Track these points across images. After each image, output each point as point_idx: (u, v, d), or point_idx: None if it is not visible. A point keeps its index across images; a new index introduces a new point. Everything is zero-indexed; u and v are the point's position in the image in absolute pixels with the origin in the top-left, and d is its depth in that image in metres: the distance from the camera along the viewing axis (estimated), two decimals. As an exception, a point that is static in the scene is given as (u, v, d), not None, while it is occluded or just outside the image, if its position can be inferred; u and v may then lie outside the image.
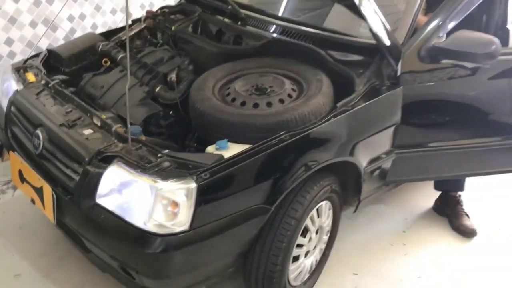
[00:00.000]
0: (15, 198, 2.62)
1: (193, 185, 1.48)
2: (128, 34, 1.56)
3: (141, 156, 1.59)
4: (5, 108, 2.11)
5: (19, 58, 2.84)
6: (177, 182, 1.49)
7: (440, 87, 2.13)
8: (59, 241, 2.32)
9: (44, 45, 2.96)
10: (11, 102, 2.05)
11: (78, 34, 3.07)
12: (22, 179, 1.93)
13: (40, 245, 2.31)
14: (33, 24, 2.88)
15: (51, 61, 2.32)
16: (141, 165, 1.55)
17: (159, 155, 1.59)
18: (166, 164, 1.55)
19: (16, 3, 2.77)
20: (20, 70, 2.19)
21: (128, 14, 1.44)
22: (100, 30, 3.07)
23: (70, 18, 3.05)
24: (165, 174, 1.51)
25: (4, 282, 2.10)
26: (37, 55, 2.35)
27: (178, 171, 1.53)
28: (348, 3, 1.83)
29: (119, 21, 3.32)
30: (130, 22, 2.73)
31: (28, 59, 2.32)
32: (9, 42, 2.81)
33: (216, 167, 1.53)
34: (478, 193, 2.90)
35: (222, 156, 1.58)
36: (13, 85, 2.13)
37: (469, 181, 2.64)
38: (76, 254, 2.24)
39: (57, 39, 3.02)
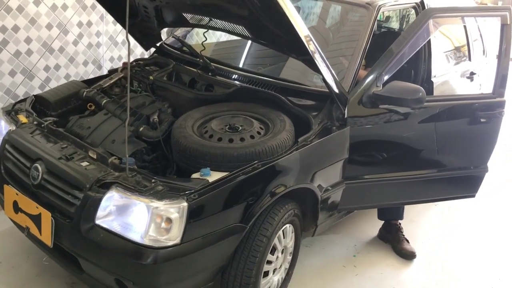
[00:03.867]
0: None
1: (184, 204, 1.74)
2: (129, 72, 1.84)
3: (137, 181, 1.84)
4: (-3, 147, 2.31)
5: (-2, 105, 3.01)
6: (171, 202, 1.75)
7: (379, 128, 2.51)
8: (39, 273, 2.44)
9: (21, 92, 3.16)
10: (6, 141, 2.24)
11: (53, 83, 3.30)
12: (17, 210, 2.09)
13: (21, 277, 2.41)
14: (12, 73, 3.09)
15: (37, 105, 2.54)
16: (138, 189, 1.80)
17: (152, 180, 1.85)
18: (160, 187, 1.81)
19: (-2, 54, 2.98)
20: (10, 113, 2.40)
21: (129, 52, 1.72)
22: (73, 79, 3.29)
23: (46, 68, 3.29)
24: (159, 196, 1.77)
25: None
26: (24, 100, 2.54)
27: (171, 193, 1.79)
28: (306, 58, 2.23)
29: (90, 71, 3.58)
30: (106, 72, 3.05)
31: (16, 103, 2.53)
32: (-12, 89, 2.99)
33: (203, 189, 1.81)
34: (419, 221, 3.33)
35: (207, 181, 1.86)
36: (4, 126, 2.34)
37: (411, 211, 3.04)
38: (58, 283, 2.39)
39: (33, 87, 3.23)
